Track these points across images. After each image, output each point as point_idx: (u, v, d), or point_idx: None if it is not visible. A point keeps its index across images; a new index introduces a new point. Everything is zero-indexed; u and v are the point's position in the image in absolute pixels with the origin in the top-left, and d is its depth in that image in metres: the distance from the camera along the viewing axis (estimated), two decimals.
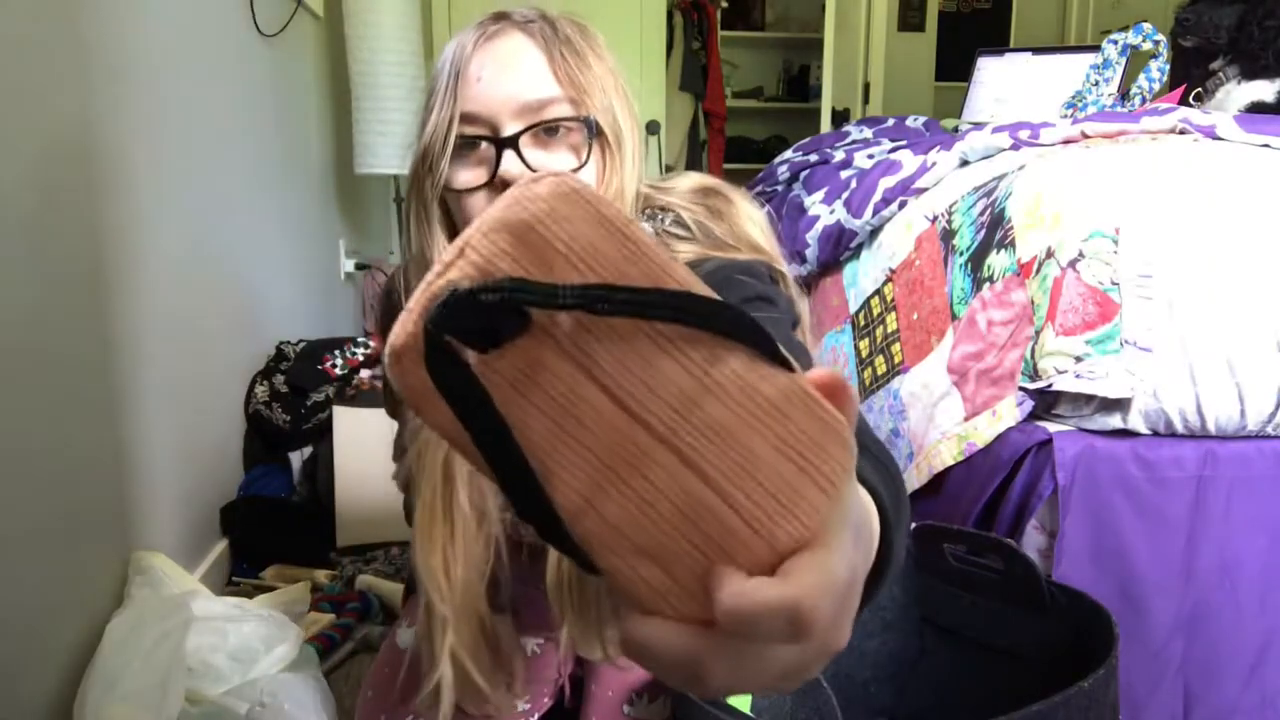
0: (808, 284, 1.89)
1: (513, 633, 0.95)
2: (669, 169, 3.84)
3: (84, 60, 1.26)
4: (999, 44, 4.21)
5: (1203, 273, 1.14)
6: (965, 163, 1.54)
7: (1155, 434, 1.17)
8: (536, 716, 0.92)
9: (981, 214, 1.37)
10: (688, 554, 0.27)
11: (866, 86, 4.14)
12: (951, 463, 1.30)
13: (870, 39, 4.14)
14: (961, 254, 1.38)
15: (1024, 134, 1.46)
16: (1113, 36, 1.96)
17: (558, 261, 0.28)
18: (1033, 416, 1.22)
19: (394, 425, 0.99)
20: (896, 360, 1.51)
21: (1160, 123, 1.34)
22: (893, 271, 1.58)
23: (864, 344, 1.64)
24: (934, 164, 1.57)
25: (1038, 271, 1.21)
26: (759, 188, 2.10)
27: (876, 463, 0.46)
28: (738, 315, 0.28)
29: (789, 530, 0.27)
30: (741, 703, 0.86)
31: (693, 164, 4.19)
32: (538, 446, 0.28)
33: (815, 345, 1.73)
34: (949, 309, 1.38)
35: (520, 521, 0.29)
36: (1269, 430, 1.16)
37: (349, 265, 2.80)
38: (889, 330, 1.55)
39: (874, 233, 1.68)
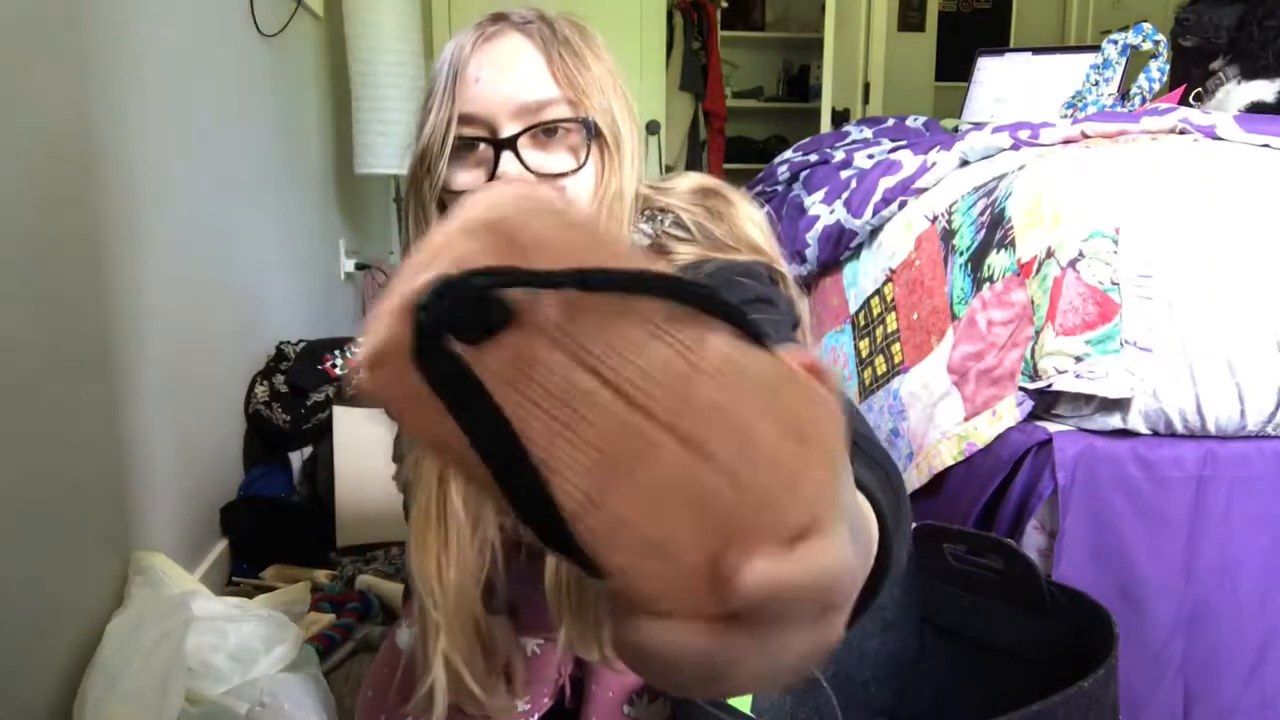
0: (808, 284, 1.89)
1: (511, 634, 0.95)
2: (669, 169, 3.84)
3: (84, 60, 1.26)
4: (999, 44, 4.21)
5: (1203, 273, 1.14)
6: (965, 163, 1.54)
7: (1155, 434, 1.17)
8: (536, 717, 0.92)
9: (981, 214, 1.37)
10: (697, 544, 0.26)
11: (866, 86, 4.15)
12: (951, 463, 1.30)
13: (870, 39, 4.14)
14: (961, 254, 1.38)
15: (1024, 134, 1.46)
16: (1113, 36, 1.96)
17: (533, 256, 0.27)
18: (1033, 416, 1.22)
19: (394, 426, 0.99)
20: (896, 360, 1.51)
21: (1160, 123, 1.34)
22: (893, 271, 1.58)
23: (864, 344, 1.64)
24: (934, 164, 1.57)
25: (1038, 271, 1.21)
26: (759, 188, 2.10)
27: (876, 467, 0.46)
28: (718, 295, 0.28)
29: (796, 508, 0.26)
30: (742, 703, 0.86)
31: (693, 164, 4.19)
32: (536, 445, 0.26)
33: (815, 345, 1.73)
34: (949, 309, 1.38)
35: (520, 524, 0.27)
36: (1269, 430, 1.16)
37: (349, 265, 2.80)
38: (889, 330, 1.55)
39: (874, 233, 1.68)
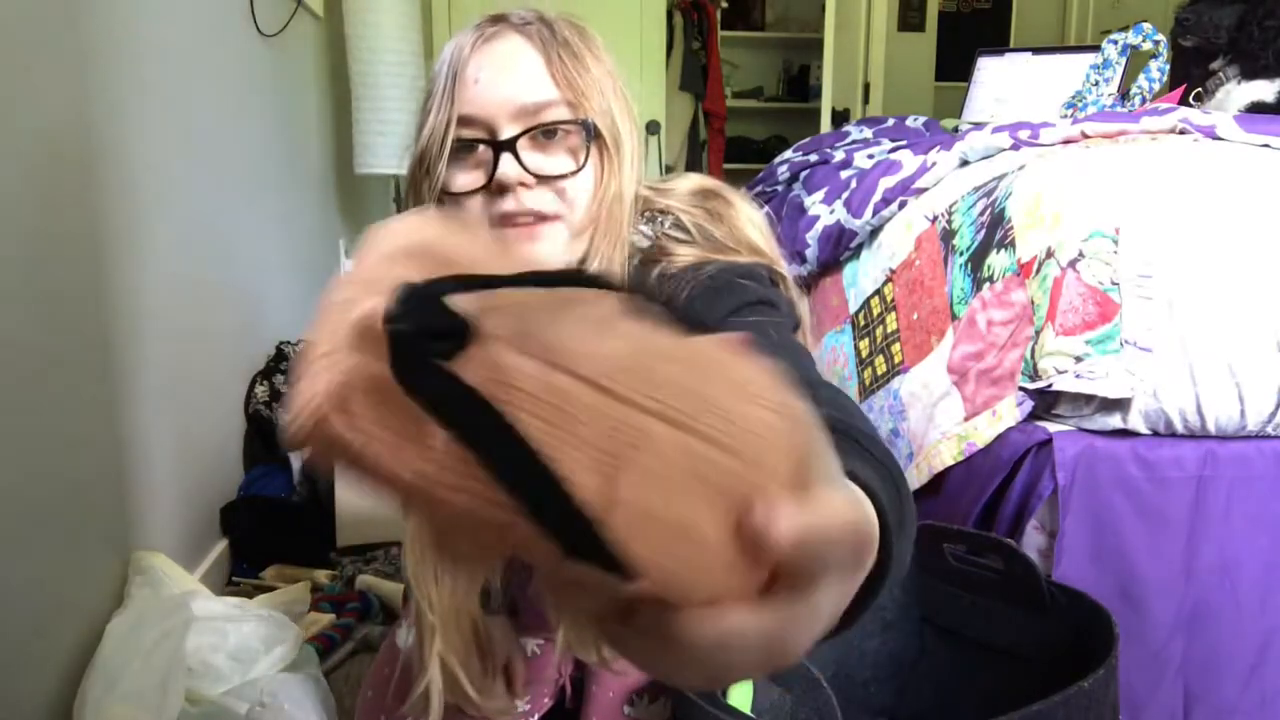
0: (808, 284, 1.89)
1: (510, 634, 0.95)
2: (669, 169, 3.84)
3: (84, 60, 1.26)
4: (999, 44, 4.21)
5: (1203, 273, 1.14)
6: (965, 163, 1.54)
7: (1155, 434, 1.17)
8: (537, 717, 0.92)
9: (981, 214, 1.37)
10: (715, 518, 0.26)
11: (866, 86, 4.15)
12: (951, 463, 1.30)
13: (870, 39, 4.14)
14: (961, 254, 1.38)
15: (1024, 134, 1.46)
16: (1113, 36, 1.96)
17: (465, 271, 0.26)
18: (1033, 416, 1.22)
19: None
20: (896, 360, 1.51)
21: (1160, 123, 1.34)
22: (893, 271, 1.58)
23: (864, 344, 1.64)
24: (934, 164, 1.57)
25: (1038, 271, 1.21)
26: (759, 188, 2.10)
27: (878, 466, 0.46)
28: (647, 284, 0.28)
29: (788, 464, 0.26)
30: (742, 703, 0.86)
31: (693, 164, 4.19)
32: (544, 451, 0.25)
33: (815, 346, 1.73)
34: (949, 309, 1.38)
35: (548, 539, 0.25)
36: (1269, 430, 1.16)
37: (349, 265, 2.78)
38: (889, 330, 1.55)
39: (874, 233, 1.68)
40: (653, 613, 0.26)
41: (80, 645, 1.16)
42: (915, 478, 1.37)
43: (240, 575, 1.70)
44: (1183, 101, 1.74)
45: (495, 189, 0.77)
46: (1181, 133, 1.32)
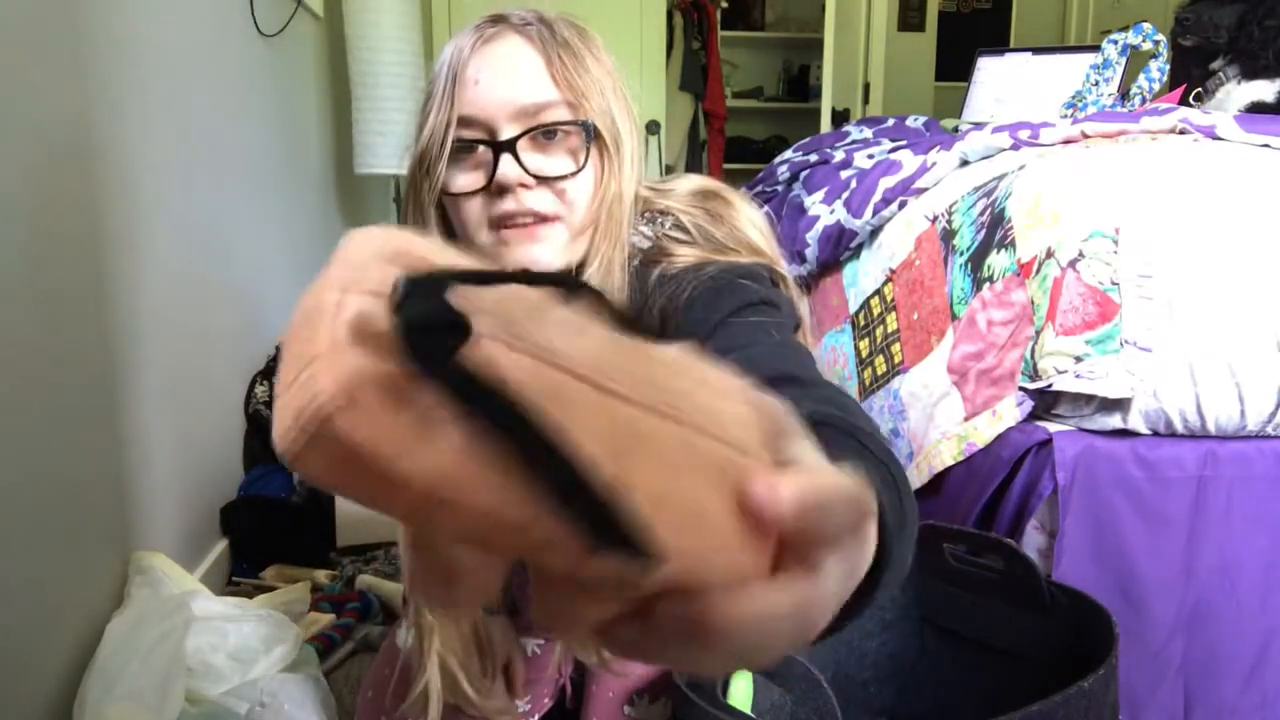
0: (808, 284, 1.89)
1: (510, 634, 0.95)
2: (669, 169, 3.84)
3: (84, 60, 1.26)
4: (999, 44, 4.21)
5: (1203, 273, 1.14)
6: (965, 163, 1.54)
7: (1155, 434, 1.17)
8: (537, 717, 0.92)
9: (981, 214, 1.37)
10: (719, 500, 0.26)
11: (866, 86, 4.15)
12: (951, 463, 1.30)
13: (870, 39, 4.14)
14: (961, 254, 1.38)
15: (1024, 134, 1.46)
16: (1113, 36, 1.96)
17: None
18: (1033, 416, 1.22)
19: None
20: (896, 360, 1.51)
21: (1160, 123, 1.34)
22: (893, 271, 1.58)
23: (864, 344, 1.64)
24: (934, 164, 1.57)
25: (1038, 271, 1.21)
26: (759, 188, 2.10)
27: (877, 463, 0.46)
28: (607, 291, 0.29)
29: (768, 454, 0.28)
30: (742, 703, 0.86)
31: (693, 164, 4.20)
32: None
33: (815, 345, 1.73)
34: (949, 309, 1.38)
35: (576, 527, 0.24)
36: (1269, 430, 1.16)
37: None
38: (889, 330, 1.55)
39: (874, 233, 1.68)
40: (674, 604, 0.25)
41: (80, 645, 1.16)
42: (915, 478, 1.37)
43: (240, 575, 1.70)
44: (1183, 101, 1.74)
45: (495, 190, 0.77)
46: (1181, 133, 1.32)
